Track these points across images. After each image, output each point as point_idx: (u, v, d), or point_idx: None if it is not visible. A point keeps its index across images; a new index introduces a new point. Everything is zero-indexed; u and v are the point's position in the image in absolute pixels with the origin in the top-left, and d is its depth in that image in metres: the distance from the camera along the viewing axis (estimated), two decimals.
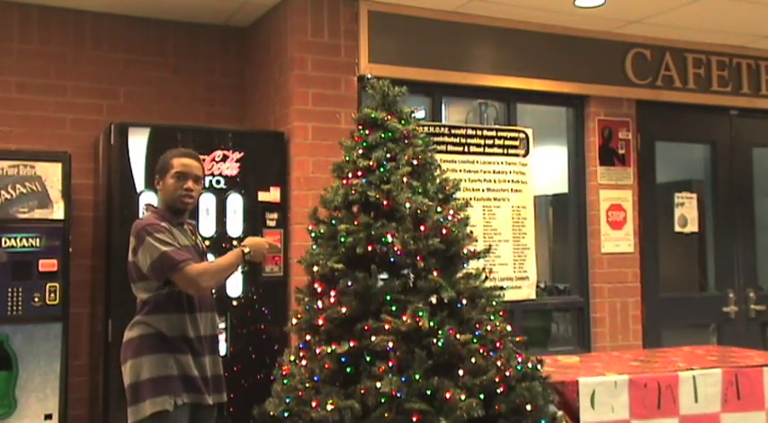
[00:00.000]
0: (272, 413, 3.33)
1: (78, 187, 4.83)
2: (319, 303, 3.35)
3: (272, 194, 4.68)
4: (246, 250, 3.24)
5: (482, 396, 3.11)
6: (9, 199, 4.35)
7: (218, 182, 4.55)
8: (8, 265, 4.28)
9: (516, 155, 5.33)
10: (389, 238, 3.26)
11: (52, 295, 4.34)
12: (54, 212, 4.39)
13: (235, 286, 4.54)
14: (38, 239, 4.32)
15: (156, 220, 3.16)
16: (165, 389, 3.07)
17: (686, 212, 5.96)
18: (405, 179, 3.37)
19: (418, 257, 3.28)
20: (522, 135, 5.37)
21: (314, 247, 3.51)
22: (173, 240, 3.12)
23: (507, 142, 5.31)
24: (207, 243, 4.40)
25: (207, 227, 4.50)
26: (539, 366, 3.39)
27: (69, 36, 5.10)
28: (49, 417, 4.32)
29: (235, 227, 4.57)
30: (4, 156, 4.45)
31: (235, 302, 4.53)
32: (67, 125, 5.04)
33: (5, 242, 4.29)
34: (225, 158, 4.57)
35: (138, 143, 4.39)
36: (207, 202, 4.51)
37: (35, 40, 5.02)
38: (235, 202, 4.59)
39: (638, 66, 5.70)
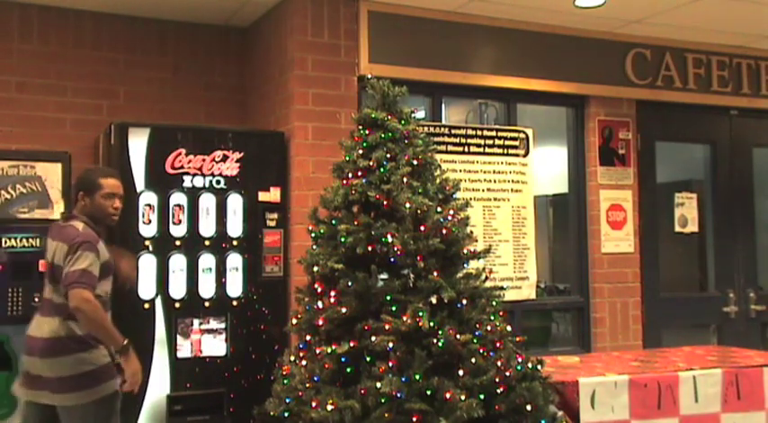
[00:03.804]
0: (272, 413, 3.34)
1: None
2: (319, 303, 3.35)
3: (272, 194, 4.67)
4: (126, 348, 3.38)
5: (482, 396, 3.11)
6: (9, 199, 4.35)
7: (218, 182, 4.55)
8: (8, 265, 4.28)
9: (516, 155, 5.33)
10: (389, 238, 3.26)
11: None
12: (54, 212, 4.38)
13: (235, 286, 4.54)
14: (38, 239, 4.30)
15: (95, 238, 3.41)
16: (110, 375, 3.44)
17: (686, 212, 5.95)
18: (405, 179, 3.37)
19: (418, 257, 3.28)
20: (522, 135, 5.37)
21: (314, 247, 3.52)
22: (98, 258, 3.37)
23: (507, 142, 5.31)
24: (207, 243, 4.48)
25: (207, 227, 4.49)
26: (539, 366, 3.40)
27: (69, 36, 5.09)
28: None
29: (235, 227, 4.56)
30: (4, 156, 4.44)
31: (235, 302, 4.52)
32: (67, 125, 5.03)
33: (5, 242, 4.29)
34: (225, 158, 4.57)
35: (138, 143, 4.39)
36: (207, 202, 4.50)
37: (35, 40, 5.02)
38: (235, 203, 4.58)
39: (638, 66, 5.70)
